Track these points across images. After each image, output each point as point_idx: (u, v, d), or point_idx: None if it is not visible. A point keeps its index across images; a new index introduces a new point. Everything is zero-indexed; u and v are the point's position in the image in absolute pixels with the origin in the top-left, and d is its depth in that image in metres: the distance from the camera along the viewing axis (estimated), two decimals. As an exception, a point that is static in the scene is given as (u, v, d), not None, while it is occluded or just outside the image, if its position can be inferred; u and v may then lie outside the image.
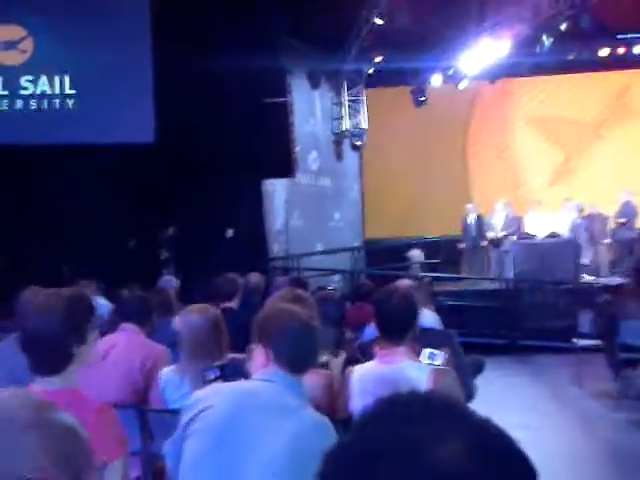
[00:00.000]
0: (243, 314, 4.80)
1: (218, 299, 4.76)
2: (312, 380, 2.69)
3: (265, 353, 2.08)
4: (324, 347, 2.95)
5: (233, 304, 4.88)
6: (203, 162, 10.08)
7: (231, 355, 2.72)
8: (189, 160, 10.05)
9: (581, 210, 12.08)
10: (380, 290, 3.17)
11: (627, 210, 12.08)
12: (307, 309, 2.55)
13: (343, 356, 3.23)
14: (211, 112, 10.11)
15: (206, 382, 2.56)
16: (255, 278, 5.95)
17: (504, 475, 0.72)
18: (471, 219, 12.60)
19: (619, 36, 12.89)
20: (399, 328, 2.79)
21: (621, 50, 12.97)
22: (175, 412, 2.22)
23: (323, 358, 3.10)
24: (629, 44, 12.91)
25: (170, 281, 6.82)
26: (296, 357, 2.06)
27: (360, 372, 2.81)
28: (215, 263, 10.43)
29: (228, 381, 2.37)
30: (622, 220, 12.04)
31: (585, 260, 11.69)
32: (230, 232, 10.52)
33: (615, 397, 6.67)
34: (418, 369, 2.72)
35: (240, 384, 2.19)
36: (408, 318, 2.82)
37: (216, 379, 2.40)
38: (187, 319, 3.04)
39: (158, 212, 10.14)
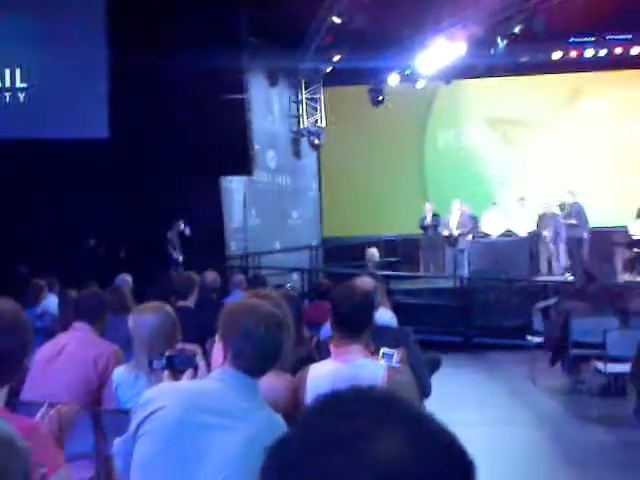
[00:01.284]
0: (199, 313, 4.77)
1: (174, 297, 4.70)
2: (273, 383, 2.66)
3: (224, 350, 2.02)
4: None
5: (189, 303, 4.82)
6: (159, 159, 9.97)
7: (180, 345, 2.66)
8: (145, 157, 9.92)
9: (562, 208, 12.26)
10: (338, 288, 3.16)
11: (577, 210, 12.34)
12: (277, 308, 2.46)
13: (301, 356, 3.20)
14: (168, 109, 9.99)
15: (152, 371, 2.51)
16: (211, 276, 5.92)
17: (443, 469, 0.72)
18: (428, 218, 12.73)
19: (571, 39, 13.17)
20: (356, 326, 2.77)
21: (573, 53, 13.26)
22: (129, 412, 2.18)
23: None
24: (581, 47, 13.20)
25: (125, 279, 6.72)
26: (255, 358, 1.99)
27: (315, 371, 2.79)
28: (171, 261, 10.34)
29: (175, 371, 2.32)
30: (573, 221, 12.31)
31: (562, 260, 11.91)
32: (187, 230, 10.42)
33: (567, 392, 6.82)
34: (374, 367, 2.72)
35: (193, 384, 2.14)
36: (365, 316, 2.81)
37: (163, 369, 2.35)
38: (140, 317, 2.99)
39: (115, 210, 9.97)
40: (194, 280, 4.98)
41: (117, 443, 2.09)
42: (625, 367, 5.41)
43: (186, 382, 2.22)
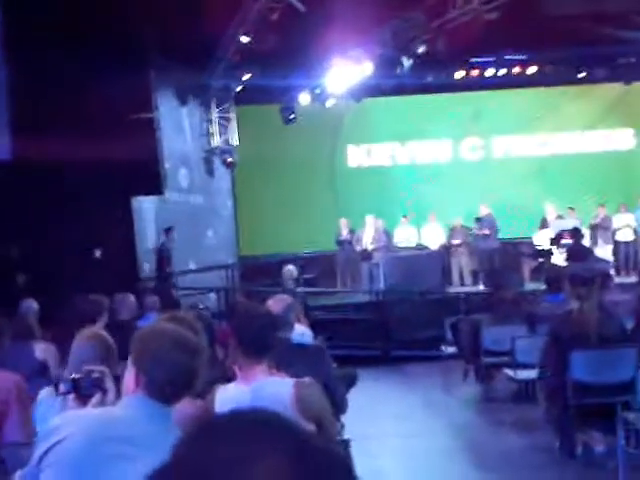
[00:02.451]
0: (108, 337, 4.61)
1: (80, 322, 4.53)
2: (183, 409, 2.60)
3: (136, 376, 1.95)
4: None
5: (97, 327, 4.65)
6: (66, 180, 9.64)
7: (87, 367, 2.56)
8: (50, 179, 9.56)
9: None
10: (240, 309, 3.13)
11: (489, 222, 12.81)
12: (192, 332, 2.39)
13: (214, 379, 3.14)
14: (75, 129, 9.69)
15: (58, 395, 2.40)
16: (121, 298, 5.74)
17: None
18: (344, 234, 12.89)
19: (472, 60, 13.71)
20: (259, 347, 2.74)
21: (474, 73, 13.80)
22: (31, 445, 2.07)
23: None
24: (481, 67, 13.75)
25: (31, 305, 6.43)
26: (168, 384, 1.92)
27: (221, 393, 2.75)
28: (82, 284, 9.98)
29: (82, 395, 2.22)
30: (485, 231, 12.76)
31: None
32: (97, 252, 10.11)
33: (480, 401, 7.01)
34: (280, 385, 2.69)
35: (101, 412, 2.05)
36: (267, 336, 2.78)
37: (68, 393, 2.24)
38: (78, 344, 2.87)
39: (18, 233, 9.55)
40: (102, 304, 4.82)
41: (18, 477, 1.98)
42: (534, 373, 5.61)
43: (94, 410, 2.13)
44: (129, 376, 1.98)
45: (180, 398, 2.00)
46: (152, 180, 10.75)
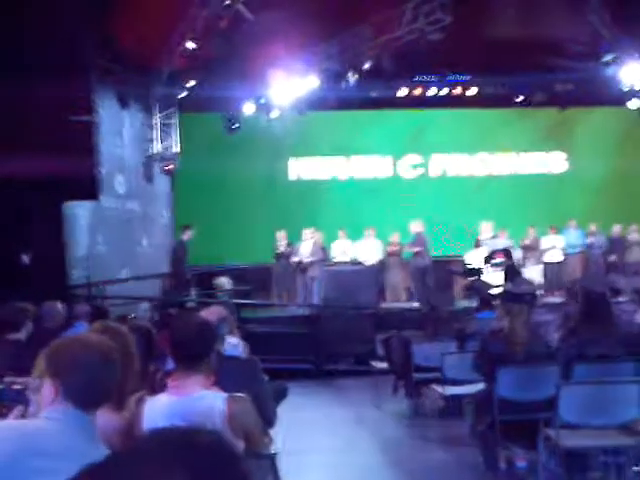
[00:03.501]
0: (31, 346, 4.47)
1: (2, 330, 4.38)
2: (108, 420, 2.54)
3: (54, 386, 1.90)
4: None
5: (20, 335, 4.51)
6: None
7: (9, 379, 2.47)
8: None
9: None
10: (176, 319, 3.11)
11: (420, 240, 13.01)
12: (114, 340, 2.36)
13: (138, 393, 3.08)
14: (9, 131, 9.39)
15: None
16: (48, 306, 5.57)
17: None
18: (281, 246, 12.87)
19: (416, 78, 13.97)
20: (193, 358, 2.72)
21: (417, 91, 14.07)
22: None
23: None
24: (425, 86, 14.04)
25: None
26: (88, 393, 1.89)
27: (150, 406, 2.70)
28: (9, 291, 9.63)
29: (2, 407, 2.14)
30: (416, 249, 12.97)
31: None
32: (26, 258, 9.79)
33: (409, 416, 7.08)
34: (212, 399, 2.67)
35: (23, 424, 1.99)
36: (203, 347, 2.77)
37: None
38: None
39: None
40: (26, 311, 4.67)
41: None
42: (462, 389, 5.71)
43: (15, 422, 2.06)
44: (47, 387, 1.93)
45: (100, 405, 1.96)
46: (87, 185, 10.50)
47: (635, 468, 4.45)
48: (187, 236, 12.08)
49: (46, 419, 1.88)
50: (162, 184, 13.81)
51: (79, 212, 10.93)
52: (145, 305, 11.30)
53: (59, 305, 6.15)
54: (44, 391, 1.95)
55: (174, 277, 11.99)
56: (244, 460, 0.78)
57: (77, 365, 1.90)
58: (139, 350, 3.29)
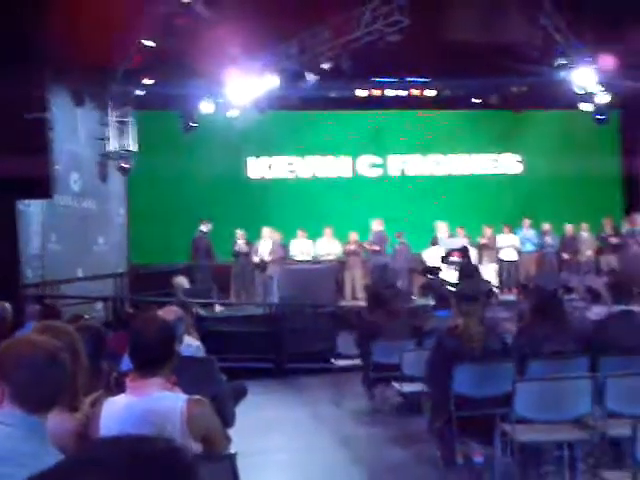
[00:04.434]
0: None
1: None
2: (61, 423, 2.49)
3: (1, 389, 1.85)
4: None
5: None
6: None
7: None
8: None
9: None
10: (136, 319, 3.06)
11: (379, 238, 13.12)
12: (60, 340, 2.31)
13: (94, 394, 3.02)
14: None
15: None
16: (-1, 307, 5.43)
17: None
18: (240, 245, 12.81)
19: (375, 79, 14.06)
20: (153, 359, 2.69)
21: (376, 92, 14.16)
22: None
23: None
24: (383, 87, 14.13)
25: None
26: (36, 393, 1.84)
27: (108, 406, 2.66)
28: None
29: None
30: (375, 247, 13.07)
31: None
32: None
33: (368, 414, 7.12)
34: (172, 400, 2.64)
35: None
36: (163, 349, 2.73)
37: None
38: None
39: None
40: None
41: None
42: (419, 386, 5.76)
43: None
44: None
45: (50, 407, 1.92)
46: (40, 183, 10.26)
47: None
48: (207, 228, 12.40)
49: None
50: (117, 182, 13.60)
51: (32, 210, 10.69)
52: (100, 304, 11.11)
53: (7, 305, 6.00)
54: None
55: (197, 270, 12.08)
56: (197, 470, 0.77)
57: (22, 366, 1.86)
58: (88, 350, 3.23)
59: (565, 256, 14.07)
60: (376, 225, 13.17)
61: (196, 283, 11.51)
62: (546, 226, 14.18)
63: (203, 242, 12.40)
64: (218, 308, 11.46)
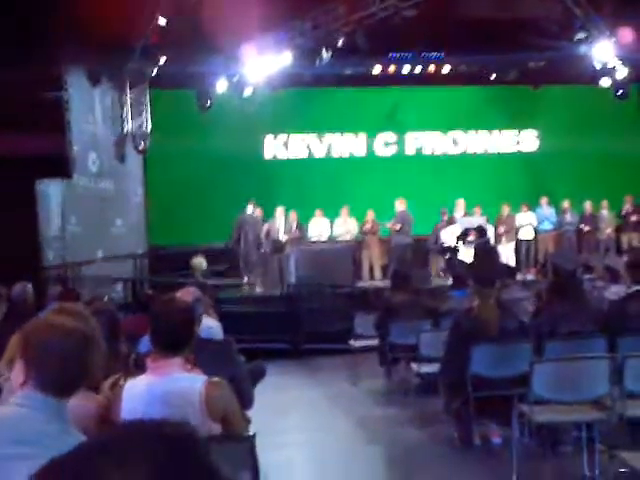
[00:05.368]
0: (8, 327, 4.41)
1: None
2: (83, 405, 2.52)
3: (25, 371, 1.87)
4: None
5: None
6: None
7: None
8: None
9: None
10: (158, 301, 3.09)
11: (402, 217, 13.04)
12: (82, 323, 2.33)
13: (113, 376, 3.06)
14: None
15: None
16: (20, 288, 5.51)
17: None
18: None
19: (390, 55, 13.91)
20: (174, 340, 2.74)
21: (391, 69, 14.01)
22: None
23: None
24: (399, 64, 13.98)
25: None
26: (60, 377, 1.86)
27: (130, 388, 2.70)
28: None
29: None
30: (397, 227, 13.00)
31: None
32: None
33: (385, 394, 7.16)
34: (191, 381, 2.68)
35: None
36: (184, 330, 2.78)
37: None
38: None
39: None
40: (1, 293, 4.61)
41: None
42: (436, 367, 5.77)
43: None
44: (17, 371, 1.90)
45: (73, 390, 1.93)
46: (59, 163, 10.32)
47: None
48: (251, 210, 12.61)
49: (15, 405, 1.85)
50: (134, 163, 13.63)
51: (52, 191, 10.75)
52: (119, 286, 11.21)
53: (29, 287, 6.08)
54: (14, 375, 1.92)
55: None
56: (212, 454, 0.78)
57: (44, 348, 1.87)
58: (104, 333, 3.26)
59: (586, 228, 13.87)
60: (399, 204, 13.08)
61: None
62: (565, 204, 14.03)
63: (246, 224, 12.44)
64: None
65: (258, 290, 12.02)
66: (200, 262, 9.41)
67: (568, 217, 13.96)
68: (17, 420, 1.82)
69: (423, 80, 14.49)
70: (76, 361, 1.90)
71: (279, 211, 12.61)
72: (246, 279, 12.32)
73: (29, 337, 1.93)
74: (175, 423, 0.79)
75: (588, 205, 14.06)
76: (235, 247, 12.41)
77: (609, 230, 13.90)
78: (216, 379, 2.75)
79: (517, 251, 13.66)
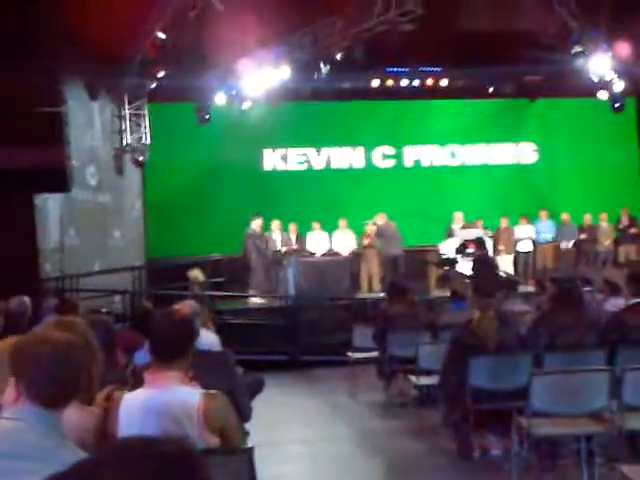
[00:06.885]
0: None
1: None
2: (79, 418, 2.51)
3: (17, 386, 1.86)
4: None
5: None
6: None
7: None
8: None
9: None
10: (157, 313, 3.10)
11: (391, 230, 13.01)
12: (73, 334, 2.33)
13: (108, 387, 3.05)
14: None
15: None
16: (17, 302, 5.49)
17: None
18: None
19: (388, 69, 13.98)
20: (173, 353, 2.73)
21: (390, 82, 14.08)
22: None
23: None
24: (397, 78, 14.05)
25: None
26: (50, 389, 1.85)
27: (127, 400, 2.69)
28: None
29: None
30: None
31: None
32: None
33: (384, 406, 7.13)
34: (188, 394, 2.67)
35: None
36: (182, 343, 2.77)
37: None
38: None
39: None
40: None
41: None
42: (435, 379, 5.76)
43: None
44: (9, 389, 1.89)
45: (66, 401, 1.92)
46: (58, 177, 10.33)
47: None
48: (255, 224, 12.52)
49: (8, 420, 1.84)
50: (133, 176, 13.66)
51: (50, 205, 10.76)
52: (117, 298, 11.19)
53: (27, 300, 6.07)
54: (8, 391, 1.91)
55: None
56: (210, 468, 0.78)
57: (36, 362, 1.87)
58: (99, 344, 3.25)
59: (583, 247, 13.92)
60: (379, 219, 13.07)
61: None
62: (564, 216, 14.06)
63: (251, 240, 12.44)
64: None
65: (257, 302, 12.01)
66: (196, 275, 9.40)
67: (566, 229, 13.98)
68: (11, 434, 1.80)
69: (421, 94, 14.56)
70: (67, 372, 1.89)
71: (275, 224, 12.65)
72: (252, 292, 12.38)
73: (18, 352, 1.93)
74: (172, 440, 0.78)
75: (587, 217, 14.09)
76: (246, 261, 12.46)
77: (608, 242, 13.93)
78: (213, 392, 2.74)
79: (515, 263, 13.67)
